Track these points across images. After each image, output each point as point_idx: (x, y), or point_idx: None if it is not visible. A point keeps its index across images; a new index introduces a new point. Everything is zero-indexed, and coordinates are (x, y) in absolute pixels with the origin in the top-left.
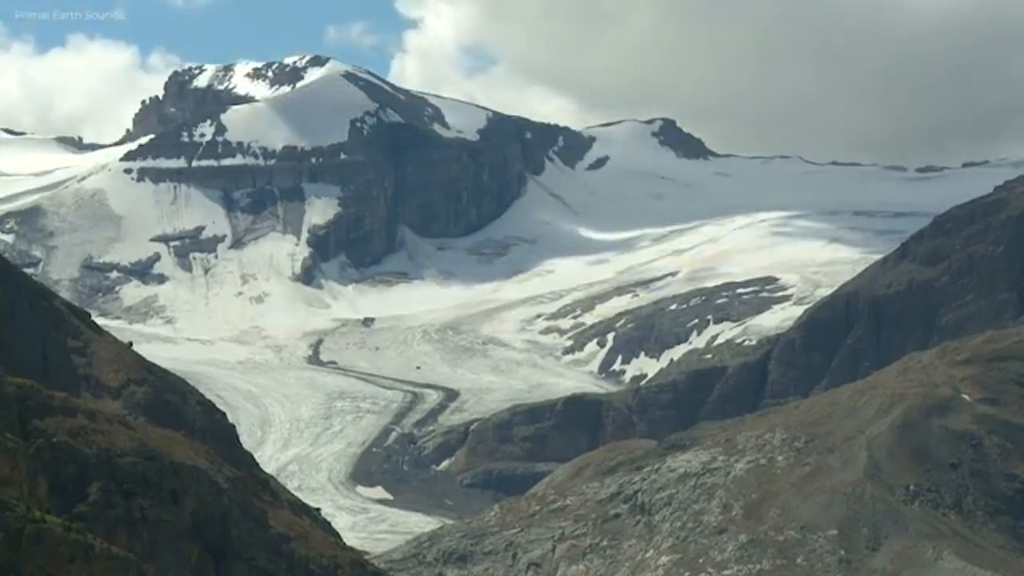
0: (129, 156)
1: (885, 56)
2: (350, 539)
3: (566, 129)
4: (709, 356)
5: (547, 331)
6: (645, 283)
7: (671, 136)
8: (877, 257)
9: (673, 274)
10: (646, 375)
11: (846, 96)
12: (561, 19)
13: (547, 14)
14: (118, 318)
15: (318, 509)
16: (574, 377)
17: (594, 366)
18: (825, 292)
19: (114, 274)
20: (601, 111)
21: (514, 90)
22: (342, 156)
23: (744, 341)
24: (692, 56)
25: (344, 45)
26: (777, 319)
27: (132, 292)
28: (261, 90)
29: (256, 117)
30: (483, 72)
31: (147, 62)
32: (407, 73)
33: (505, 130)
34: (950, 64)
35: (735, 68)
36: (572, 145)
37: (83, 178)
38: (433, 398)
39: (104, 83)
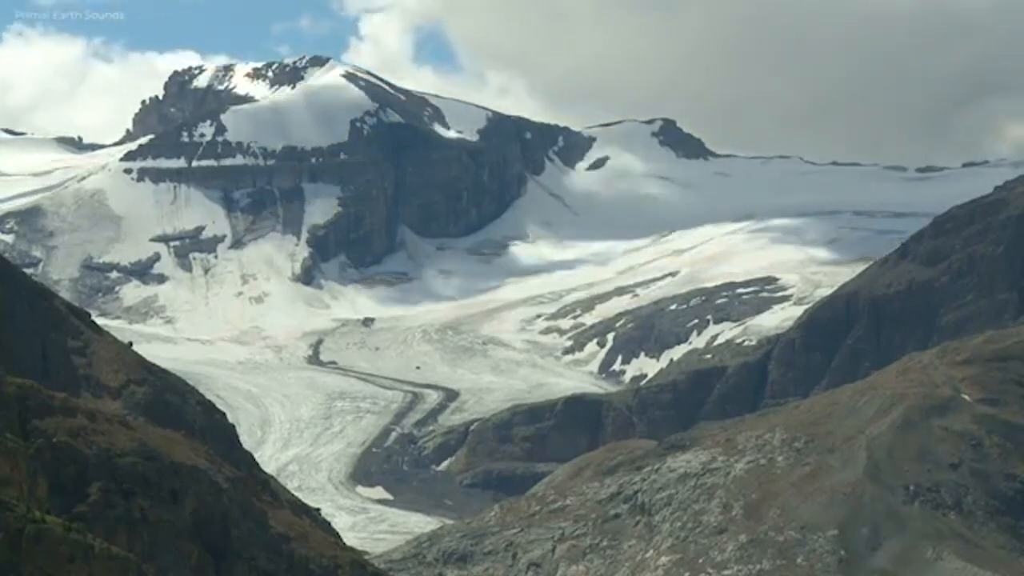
0: (129, 156)
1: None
2: (350, 539)
3: (566, 129)
4: (709, 356)
5: (547, 331)
6: (645, 283)
7: (671, 136)
8: (877, 257)
9: (673, 274)
10: (646, 375)
11: (798, 91)
12: (519, 9)
13: (505, 4)
14: (118, 318)
15: (318, 509)
16: (574, 377)
17: (594, 366)
18: (825, 292)
19: (114, 274)
20: (561, 105)
21: (473, 79)
22: (342, 156)
23: (744, 341)
24: (649, 50)
25: (293, 35)
26: (777, 319)
27: (132, 292)
28: (261, 90)
29: (256, 117)
30: (438, 61)
31: (92, 52)
32: (361, 63)
33: (505, 130)
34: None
35: (694, 62)
36: (572, 145)
37: (83, 178)
38: (433, 398)
39: (54, 74)
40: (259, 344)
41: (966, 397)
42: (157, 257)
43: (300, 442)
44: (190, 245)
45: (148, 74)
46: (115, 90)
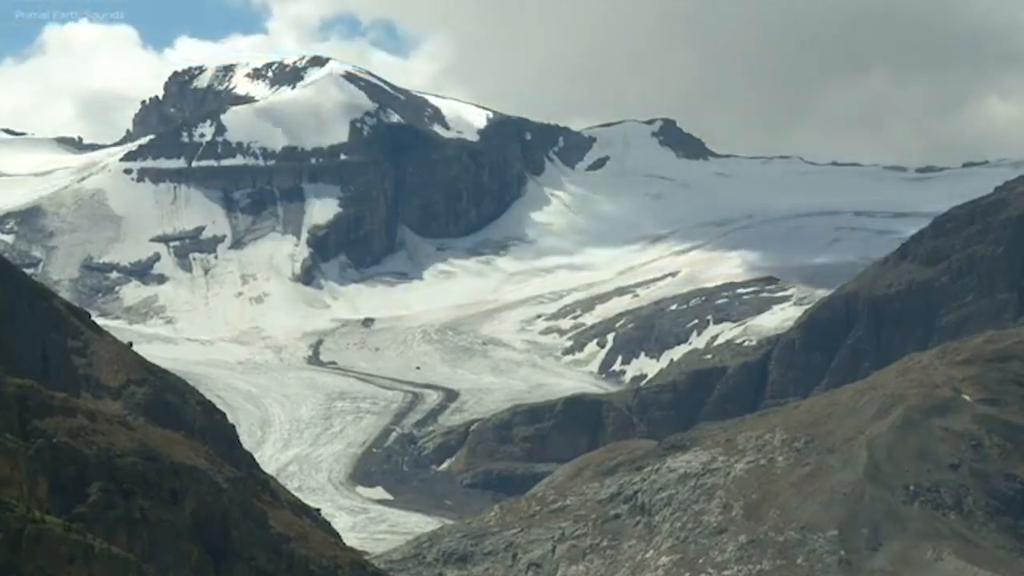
0: (129, 156)
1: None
2: (350, 539)
3: (566, 129)
4: (709, 356)
5: (547, 331)
6: (645, 283)
7: (671, 136)
8: (877, 257)
9: (673, 274)
10: (646, 375)
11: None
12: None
13: None
14: (118, 318)
15: (318, 509)
16: (574, 377)
17: (594, 366)
18: (825, 292)
19: (114, 274)
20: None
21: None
22: (342, 156)
23: (744, 341)
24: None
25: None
26: (777, 319)
27: (132, 292)
28: (261, 90)
29: (256, 117)
30: (349, 38)
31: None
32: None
33: (505, 130)
34: None
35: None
36: (572, 145)
37: (83, 178)
38: (433, 398)
39: None
40: (259, 344)
41: (966, 397)
42: (157, 257)
43: (300, 442)
44: (190, 245)
45: (63, 49)
46: (30, 73)
